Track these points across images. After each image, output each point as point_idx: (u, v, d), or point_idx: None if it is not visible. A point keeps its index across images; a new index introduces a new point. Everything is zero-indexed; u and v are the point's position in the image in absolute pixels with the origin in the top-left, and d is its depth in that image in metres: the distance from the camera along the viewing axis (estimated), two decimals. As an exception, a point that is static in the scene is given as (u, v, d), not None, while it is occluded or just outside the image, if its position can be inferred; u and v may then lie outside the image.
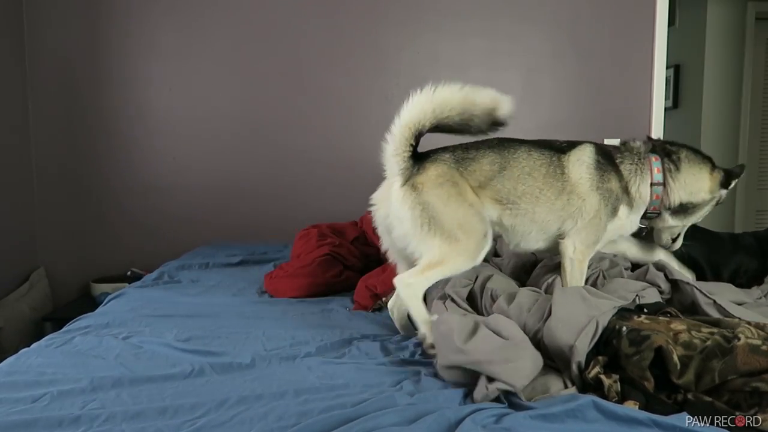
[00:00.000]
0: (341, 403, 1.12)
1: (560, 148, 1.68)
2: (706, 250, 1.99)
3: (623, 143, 1.77)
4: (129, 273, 3.10)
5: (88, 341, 1.52)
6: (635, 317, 1.31)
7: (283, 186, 3.25)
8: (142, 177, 3.22)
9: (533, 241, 1.68)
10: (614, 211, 1.68)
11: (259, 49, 3.20)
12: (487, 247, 1.58)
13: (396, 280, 1.54)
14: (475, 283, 1.71)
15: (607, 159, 1.69)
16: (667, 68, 3.32)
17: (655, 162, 1.71)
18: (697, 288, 1.58)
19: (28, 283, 3.04)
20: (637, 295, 1.55)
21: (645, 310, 1.43)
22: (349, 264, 2.30)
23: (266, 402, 1.14)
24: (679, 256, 1.94)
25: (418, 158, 1.59)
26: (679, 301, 1.63)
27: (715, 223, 3.97)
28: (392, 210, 1.59)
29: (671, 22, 3.36)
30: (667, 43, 3.24)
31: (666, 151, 1.74)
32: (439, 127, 1.57)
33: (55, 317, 2.86)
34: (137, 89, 3.20)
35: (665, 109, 3.35)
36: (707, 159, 1.76)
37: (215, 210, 3.26)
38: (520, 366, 1.19)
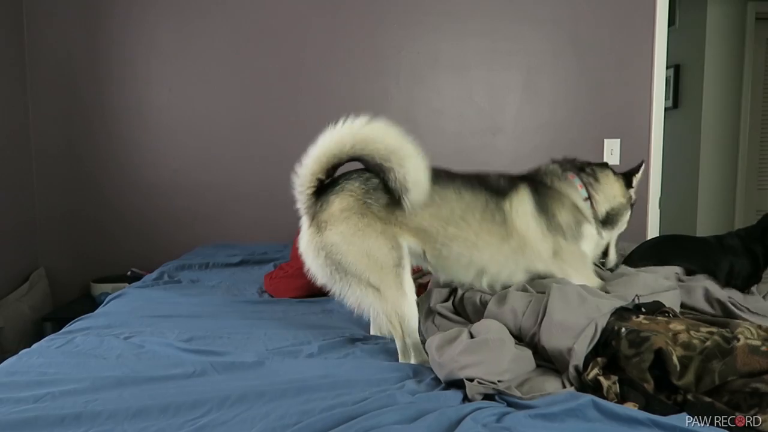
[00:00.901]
0: (342, 402, 1.12)
1: (497, 189, 1.59)
2: (700, 258, 2.01)
3: (540, 169, 1.74)
4: (129, 273, 3.10)
5: (89, 341, 1.52)
6: (634, 317, 1.31)
7: (283, 186, 3.23)
8: (142, 177, 3.22)
9: (470, 278, 1.59)
10: (580, 234, 1.66)
11: (259, 49, 3.20)
12: (407, 273, 1.46)
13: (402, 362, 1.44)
14: (456, 295, 1.68)
15: (543, 191, 1.65)
16: (667, 68, 3.32)
17: (575, 179, 1.71)
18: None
19: (28, 283, 3.04)
20: (636, 296, 1.55)
21: (643, 310, 1.43)
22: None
23: (268, 401, 1.15)
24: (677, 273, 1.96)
25: (327, 187, 1.47)
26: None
27: (716, 222, 3.98)
28: (306, 259, 1.49)
29: (671, 22, 3.36)
30: (667, 43, 3.24)
31: (577, 167, 1.75)
32: (358, 160, 1.46)
33: (55, 317, 2.85)
34: (137, 89, 3.20)
35: (665, 109, 3.35)
36: (606, 166, 1.79)
37: (215, 210, 3.26)
38: (493, 362, 1.20)
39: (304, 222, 1.50)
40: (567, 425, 1.03)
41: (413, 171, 1.41)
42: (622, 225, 1.81)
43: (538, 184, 1.68)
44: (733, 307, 1.57)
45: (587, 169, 1.75)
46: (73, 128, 3.18)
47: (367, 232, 1.43)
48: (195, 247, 3.00)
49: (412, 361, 1.42)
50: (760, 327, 1.26)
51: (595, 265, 1.80)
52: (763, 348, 1.10)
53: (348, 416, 1.05)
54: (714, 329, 1.24)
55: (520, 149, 3.26)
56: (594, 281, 1.62)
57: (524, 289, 1.53)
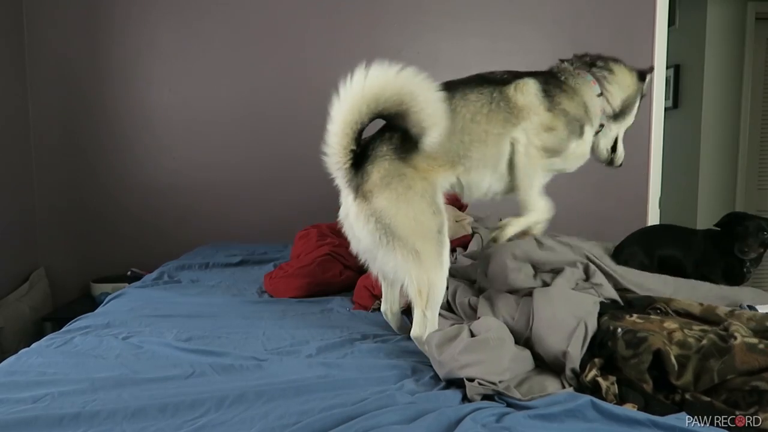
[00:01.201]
0: (341, 402, 1.12)
1: (501, 80, 1.60)
2: (681, 247, 2.03)
3: (550, 69, 1.75)
4: (129, 273, 3.10)
5: (89, 341, 1.52)
6: (627, 317, 1.31)
7: (283, 186, 3.26)
8: (143, 177, 3.23)
9: (489, 186, 1.61)
10: (580, 132, 1.64)
11: (259, 49, 3.20)
12: (446, 244, 1.50)
13: (413, 337, 1.48)
14: (448, 295, 1.69)
15: (554, 83, 1.66)
16: (667, 68, 3.32)
17: (587, 76, 1.71)
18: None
19: (28, 283, 3.04)
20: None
21: (634, 304, 1.44)
22: (349, 264, 2.30)
23: (267, 401, 1.15)
24: (658, 259, 1.98)
25: (361, 157, 1.49)
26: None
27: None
28: (353, 226, 1.53)
29: (671, 22, 3.36)
30: (667, 43, 3.24)
31: (588, 62, 1.75)
32: (380, 118, 1.47)
33: (55, 317, 2.86)
34: (137, 89, 3.20)
35: (665, 109, 3.35)
36: (618, 59, 1.79)
37: (215, 210, 3.26)
38: (493, 361, 1.20)
39: (348, 195, 1.52)
40: (566, 425, 1.03)
41: (425, 104, 1.42)
42: (631, 118, 1.80)
43: (548, 76, 1.69)
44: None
45: (599, 62, 1.74)
46: (73, 128, 3.19)
47: (409, 196, 1.46)
48: (195, 247, 2.99)
49: (426, 337, 1.42)
50: (737, 317, 1.26)
51: (607, 164, 1.81)
52: (761, 346, 1.10)
53: (347, 416, 1.05)
54: (707, 327, 1.24)
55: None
56: (539, 196, 1.60)
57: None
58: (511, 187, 1.62)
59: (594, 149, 1.76)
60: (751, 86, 4.10)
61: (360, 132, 1.45)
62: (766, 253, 1.99)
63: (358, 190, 1.48)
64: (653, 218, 3.31)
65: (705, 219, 4.09)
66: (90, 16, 3.14)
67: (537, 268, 1.65)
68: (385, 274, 1.56)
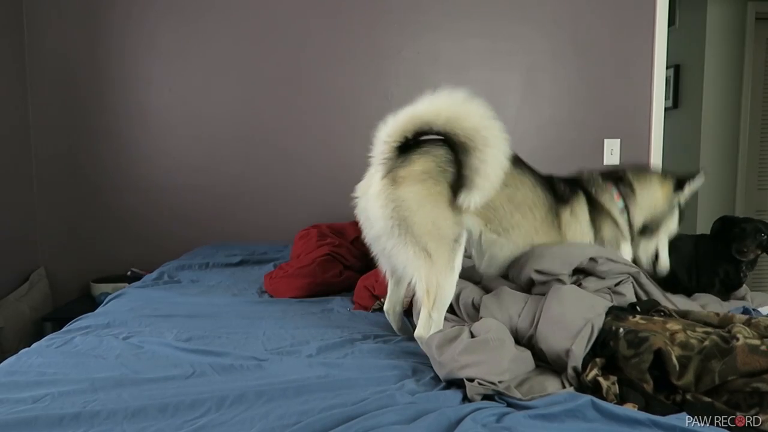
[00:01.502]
0: (342, 402, 1.12)
1: (560, 196, 1.66)
2: (679, 255, 2.01)
3: (582, 175, 1.77)
4: (129, 273, 3.10)
5: (89, 341, 1.52)
6: (630, 317, 1.31)
7: (283, 186, 3.25)
8: (142, 177, 3.22)
9: (498, 265, 1.65)
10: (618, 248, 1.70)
11: (259, 49, 3.20)
12: (461, 252, 1.50)
13: (417, 337, 1.47)
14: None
15: (594, 206, 1.71)
16: (667, 68, 3.32)
17: (612, 189, 1.75)
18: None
19: (28, 283, 3.04)
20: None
21: (638, 308, 1.43)
22: (349, 264, 2.30)
23: (267, 401, 1.15)
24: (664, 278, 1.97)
25: (408, 148, 1.49)
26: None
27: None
28: (369, 205, 1.51)
29: (671, 22, 3.36)
30: (667, 43, 3.24)
31: (615, 177, 1.77)
32: (445, 135, 1.48)
33: (55, 317, 2.85)
34: (137, 89, 3.20)
35: (665, 109, 3.35)
36: (649, 169, 1.82)
37: (215, 210, 3.25)
38: (493, 362, 1.20)
39: (377, 171, 1.50)
40: (566, 425, 1.03)
41: (491, 161, 1.43)
42: (668, 229, 1.80)
43: (588, 194, 1.73)
44: None
45: (626, 177, 1.77)
46: (73, 128, 3.18)
47: (438, 200, 1.46)
48: (195, 247, 2.99)
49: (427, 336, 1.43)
50: (755, 326, 1.26)
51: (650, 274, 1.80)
52: (763, 347, 1.10)
53: (347, 416, 1.05)
54: (710, 329, 1.24)
55: (520, 149, 3.20)
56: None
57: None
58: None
59: (635, 260, 1.79)
60: (751, 86, 4.10)
61: (421, 133, 1.47)
62: (761, 256, 2.00)
63: (390, 171, 1.47)
64: (653, 218, 3.31)
65: (705, 219, 4.08)
66: (90, 16, 3.14)
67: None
68: (394, 268, 1.55)
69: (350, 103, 3.23)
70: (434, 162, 1.48)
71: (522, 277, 1.55)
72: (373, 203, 1.49)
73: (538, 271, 1.50)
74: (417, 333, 1.47)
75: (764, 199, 4.23)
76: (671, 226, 1.81)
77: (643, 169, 1.81)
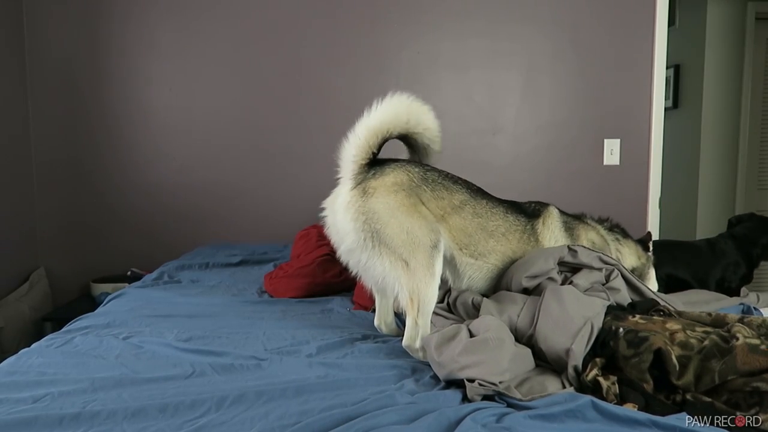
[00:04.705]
0: (342, 402, 1.12)
1: (533, 213, 1.69)
2: (690, 268, 2.01)
3: (576, 217, 1.81)
4: (129, 273, 3.10)
5: (89, 341, 1.52)
6: (630, 317, 1.31)
7: (283, 186, 3.25)
8: (142, 177, 3.22)
9: (480, 285, 1.64)
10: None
11: (259, 49, 3.20)
12: (440, 257, 1.48)
13: (405, 347, 1.45)
14: (449, 296, 1.68)
15: (574, 218, 1.75)
16: (667, 68, 3.32)
17: (608, 231, 1.81)
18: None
19: (28, 283, 3.04)
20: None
21: (637, 308, 1.43)
22: (349, 264, 2.30)
23: (267, 401, 1.15)
24: (663, 279, 1.98)
25: (378, 163, 1.48)
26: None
27: (716, 223, 3.98)
28: (337, 219, 1.48)
29: (671, 22, 3.36)
30: (667, 43, 3.24)
31: (607, 224, 1.83)
32: (405, 139, 1.51)
33: (55, 317, 2.85)
34: (137, 89, 3.20)
35: (665, 109, 3.35)
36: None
37: (215, 210, 3.25)
38: (493, 362, 1.20)
39: (345, 184, 1.49)
40: (566, 426, 1.03)
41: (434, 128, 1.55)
42: (651, 284, 1.82)
43: (569, 214, 1.76)
44: None
45: (615, 227, 1.84)
46: (73, 128, 3.18)
47: (411, 211, 1.45)
48: (195, 247, 2.99)
49: (417, 344, 1.42)
50: (747, 324, 1.26)
51: None
52: (763, 347, 1.10)
53: (347, 416, 1.05)
54: (709, 329, 1.24)
55: (520, 149, 3.26)
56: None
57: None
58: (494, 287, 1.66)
59: None
60: (751, 86, 4.10)
61: (385, 140, 1.47)
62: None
63: (360, 183, 1.45)
64: (653, 218, 3.31)
65: (705, 219, 4.09)
66: (90, 17, 3.14)
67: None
68: (373, 279, 1.52)
69: (350, 103, 3.22)
70: (408, 176, 1.48)
71: (513, 288, 1.55)
72: (342, 216, 1.47)
73: (528, 277, 1.51)
74: (405, 342, 1.45)
75: (764, 199, 4.23)
76: (654, 285, 1.84)
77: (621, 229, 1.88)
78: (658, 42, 3.22)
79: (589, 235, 1.72)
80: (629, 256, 1.79)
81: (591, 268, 1.55)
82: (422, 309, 1.44)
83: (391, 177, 1.46)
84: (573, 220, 1.75)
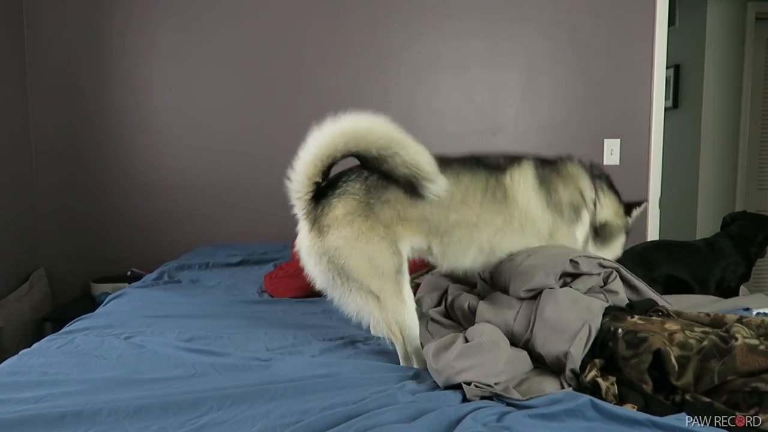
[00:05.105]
0: (343, 401, 1.12)
1: (497, 166, 1.56)
2: (689, 268, 2.00)
3: (552, 157, 1.70)
4: (129, 273, 3.09)
5: (90, 341, 1.53)
6: (628, 318, 1.31)
7: (283, 186, 3.24)
8: (143, 177, 3.22)
9: (470, 260, 1.56)
10: (578, 217, 1.63)
11: (259, 49, 3.20)
12: (406, 281, 1.45)
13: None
14: (446, 300, 1.67)
15: (550, 168, 1.63)
16: (667, 68, 3.32)
17: (588, 177, 1.69)
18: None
19: (28, 283, 3.04)
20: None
21: (636, 308, 1.43)
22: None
23: (268, 400, 1.15)
24: (663, 280, 1.95)
25: (326, 189, 1.44)
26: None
27: (716, 223, 3.98)
28: (305, 262, 1.47)
29: (671, 22, 3.36)
30: (667, 43, 3.24)
31: (593, 170, 1.72)
32: (353, 156, 1.42)
33: (55, 317, 2.85)
34: (137, 89, 3.20)
35: (665, 109, 3.35)
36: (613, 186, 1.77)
37: (215, 210, 3.26)
38: (488, 364, 1.20)
39: (303, 227, 1.47)
40: (566, 425, 1.03)
41: (419, 153, 1.39)
42: (614, 248, 1.76)
43: (545, 162, 1.64)
44: None
45: (602, 176, 1.73)
46: (73, 128, 3.18)
47: (370, 237, 1.41)
48: (195, 247, 2.99)
49: (415, 365, 1.42)
50: (746, 324, 1.26)
51: None
52: (762, 347, 1.10)
53: (348, 415, 1.05)
54: (708, 329, 1.24)
55: (520, 149, 3.24)
56: None
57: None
58: (496, 261, 1.57)
59: None
60: (751, 86, 4.11)
61: (330, 166, 1.41)
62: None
63: (315, 223, 1.43)
64: (653, 218, 3.31)
65: (705, 219, 4.09)
66: (90, 16, 3.14)
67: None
68: (349, 315, 1.49)
69: (350, 102, 3.20)
70: (355, 200, 1.42)
71: (511, 294, 1.50)
72: (307, 260, 1.46)
73: (527, 290, 1.44)
74: (402, 364, 1.43)
75: (764, 199, 4.23)
76: (616, 247, 1.76)
77: (609, 180, 1.78)
78: (658, 42, 3.22)
79: (568, 192, 1.61)
80: (607, 209, 1.70)
81: (590, 274, 1.53)
82: (407, 336, 1.42)
83: (340, 209, 1.42)
84: (551, 172, 1.61)
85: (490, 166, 1.56)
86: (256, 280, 2.32)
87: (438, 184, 1.41)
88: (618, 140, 3.29)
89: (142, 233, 3.23)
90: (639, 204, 1.81)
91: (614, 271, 1.55)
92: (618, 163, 3.28)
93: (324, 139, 1.38)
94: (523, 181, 1.56)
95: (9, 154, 2.99)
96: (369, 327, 1.67)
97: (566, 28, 3.25)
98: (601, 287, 1.53)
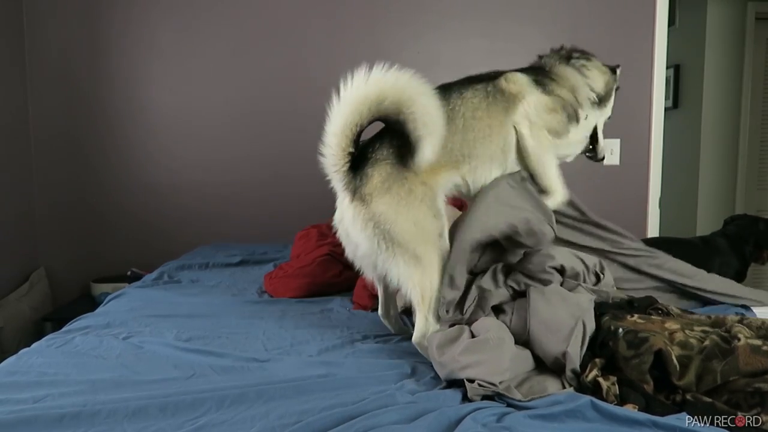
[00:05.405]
0: (342, 402, 1.12)
1: (491, 76, 1.63)
2: (687, 262, 2.01)
3: (536, 65, 1.78)
4: (129, 273, 3.10)
5: (89, 341, 1.52)
6: (628, 317, 1.31)
7: (283, 186, 3.25)
8: (143, 177, 3.23)
9: (495, 171, 1.60)
10: (576, 117, 1.68)
11: (259, 49, 3.20)
12: (447, 244, 1.48)
13: (415, 344, 1.45)
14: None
15: (541, 73, 1.69)
16: (667, 68, 3.32)
17: (576, 72, 1.76)
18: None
19: (28, 283, 3.04)
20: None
21: (635, 305, 1.43)
22: (349, 264, 2.30)
23: (267, 400, 1.15)
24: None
25: (359, 160, 1.47)
26: None
27: (716, 223, 3.98)
28: (350, 231, 1.49)
29: (671, 22, 3.36)
30: (667, 43, 3.24)
31: (566, 55, 1.79)
32: (379, 120, 1.45)
33: (55, 317, 2.86)
34: (137, 89, 3.20)
35: (665, 109, 3.35)
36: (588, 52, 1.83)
37: (215, 210, 3.26)
38: (493, 362, 1.20)
39: (345, 197, 1.49)
40: (567, 425, 1.03)
41: (421, 114, 1.40)
42: (609, 110, 1.84)
43: (533, 68, 1.73)
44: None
45: (575, 54, 1.79)
46: (73, 128, 3.18)
47: (410, 201, 1.45)
48: (195, 247, 2.99)
49: (426, 342, 1.41)
50: (746, 326, 1.26)
51: (587, 156, 1.87)
52: (765, 347, 1.10)
53: (347, 416, 1.05)
54: (708, 328, 1.24)
55: (520, 149, 3.26)
56: (557, 178, 1.66)
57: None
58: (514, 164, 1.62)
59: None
60: (751, 86, 4.10)
61: (359, 134, 1.44)
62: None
63: (356, 193, 1.46)
64: (653, 218, 3.31)
65: (705, 219, 4.09)
66: (90, 17, 3.14)
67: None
68: (387, 282, 1.53)
69: (350, 103, 3.23)
70: (388, 164, 1.46)
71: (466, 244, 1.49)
72: (353, 228, 1.48)
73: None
74: (415, 339, 1.45)
75: (764, 199, 4.23)
76: (610, 108, 1.84)
77: (584, 50, 1.84)
78: (658, 42, 3.22)
79: (563, 92, 1.68)
80: (598, 77, 1.77)
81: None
82: (433, 305, 1.45)
83: (376, 177, 1.45)
84: (543, 75, 1.69)
85: (484, 77, 1.63)
86: (256, 280, 2.32)
87: (424, 150, 1.41)
88: (618, 140, 3.28)
89: (142, 233, 3.23)
90: (617, 67, 1.89)
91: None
92: (618, 163, 3.28)
93: (347, 108, 1.40)
94: (516, 79, 1.63)
95: (9, 153, 2.99)
96: (368, 326, 1.69)
97: (566, 28, 3.24)
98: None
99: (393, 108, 1.40)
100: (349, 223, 1.48)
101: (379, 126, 1.50)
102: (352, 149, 1.44)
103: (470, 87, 1.59)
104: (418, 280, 1.44)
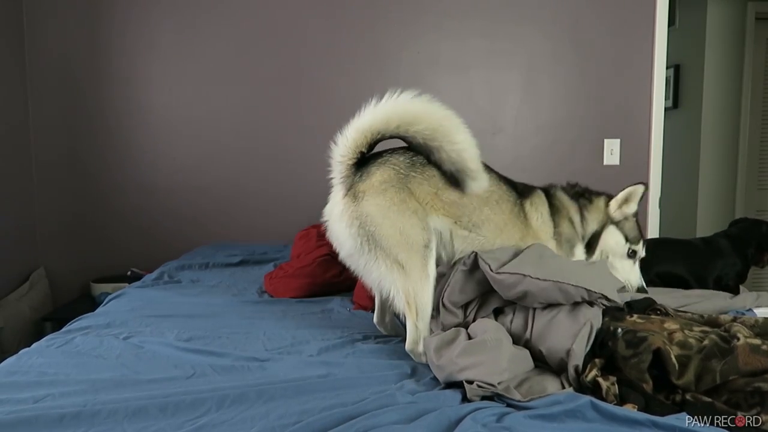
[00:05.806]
0: (342, 402, 1.12)
1: (520, 191, 1.67)
2: (687, 265, 2.02)
3: (551, 188, 1.78)
4: (129, 273, 3.09)
5: (89, 341, 1.53)
6: (628, 317, 1.31)
7: (283, 186, 3.25)
8: (143, 177, 3.22)
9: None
10: (572, 251, 1.70)
11: (259, 49, 3.20)
12: (433, 257, 1.48)
13: (408, 351, 1.45)
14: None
15: (558, 206, 1.72)
16: (667, 68, 3.32)
17: (574, 202, 1.76)
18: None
19: (28, 283, 3.04)
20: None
21: (632, 307, 1.43)
22: (349, 264, 2.30)
23: (267, 400, 1.15)
24: (663, 274, 1.96)
25: (368, 160, 1.48)
26: None
27: (716, 223, 3.98)
28: (335, 227, 1.50)
29: (671, 22, 3.36)
30: (667, 43, 3.24)
31: (575, 193, 1.78)
32: (401, 139, 1.48)
33: (55, 317, 2.85)
34: (137, 89, 3.20)
35: (665, 109, 3.35)
36: (603, 194, 1.80)
37: (215, 210, 3.26)
38: (491, 363, 1.20)
39: (338, 191, 1.50)
40: (566, 425, 1.03)
41: (466, 146, 1.44)
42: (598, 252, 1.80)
43: (547, 194, 1.74)
44: None
45: (586, 194, 1.79)
46: (73, 128, 3.18)
47: (401, 209, 1.45)
48: (195, 247, 2.99)
49: (420, 348, 1.42)
50: (752, 326, 1.26)
51: None
52: (764, 347, 1.10)
53: (347, 416, 1.05)
54: (707, 328, 1.24)
55: (520, 149, 3.26)
56: None
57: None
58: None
59: None
60: (751, 86, 4.10)
61: (377, 141, 1.46)
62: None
63: (351, 189, 1.47)
64: (653, 219, 3.31)
65: (705, 219, 4.09)
66: (90, 17, 3.14)
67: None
68: (372, 282, 1.52)
69: (350, 102, 3.21)
70: (394, 170, 1.48)
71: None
72: (338, 224, 1.49)
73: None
74: (408, 347, 1.45)
75: (764, 199, 4.23)
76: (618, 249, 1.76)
77: (596, 192, 1.82)
78: (658, 42, 3.22)
79: (565, 225, 1.70)
80: (592, 222, 1.76)
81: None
82: (420, 312, 1.44)
83: (377, 176, 1.46)
84: (553, 206, 1.72)
85: (517, 188, 1.67)
86: (256, 280, 2.32)
87: (479, 182, 1.49)
88: (618, 140, 3.29)
89: (142, 233, 3.23)
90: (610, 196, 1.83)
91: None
92: (618, 163, 3.28)
93: (379, 115, 1.43)
94: (539, 209, 1.66)
95: (9, 154, 2.99)
96: (368, 326, 1.69)
97: (566, 28, 3.25)
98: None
99: (424, 136, 1.44)
100: (336, 218, 1.49)
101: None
102: (364, 149, 1.47)
103: (507, 184, 1.64)
104: (401, 285, 1.44)
